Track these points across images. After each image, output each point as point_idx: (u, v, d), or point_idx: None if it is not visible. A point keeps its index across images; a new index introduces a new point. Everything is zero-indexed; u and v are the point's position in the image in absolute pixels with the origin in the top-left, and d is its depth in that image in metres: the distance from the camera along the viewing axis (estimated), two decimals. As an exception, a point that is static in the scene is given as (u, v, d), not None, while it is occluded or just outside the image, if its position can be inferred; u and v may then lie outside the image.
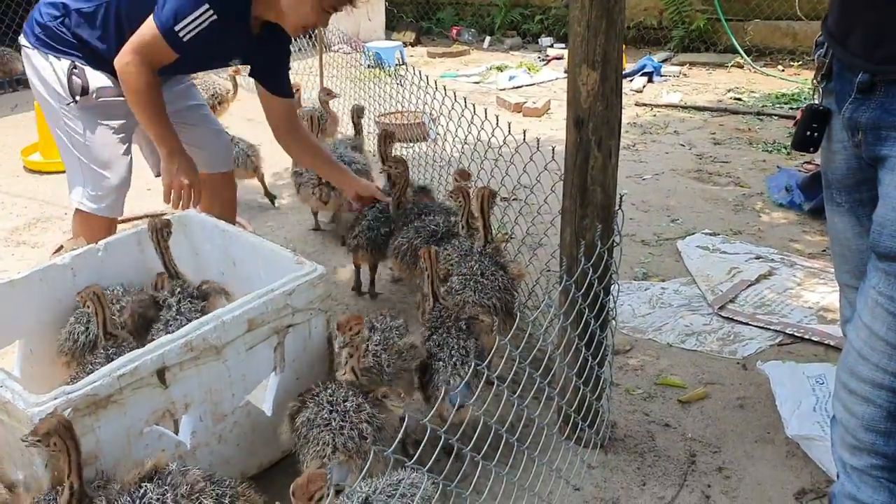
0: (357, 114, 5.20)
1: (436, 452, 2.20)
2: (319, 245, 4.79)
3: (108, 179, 3.32)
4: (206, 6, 2.85)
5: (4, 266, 4.43)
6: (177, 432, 2.57)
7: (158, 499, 2.09)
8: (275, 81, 3.44)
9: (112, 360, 2.42)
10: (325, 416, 2.43)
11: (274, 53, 3.38)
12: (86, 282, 2.90)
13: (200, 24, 2.87)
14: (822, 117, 1.85)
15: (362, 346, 2.58)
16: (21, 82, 7.99)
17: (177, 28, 2.88)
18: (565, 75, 4.50)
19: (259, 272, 3.04)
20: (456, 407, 2.52)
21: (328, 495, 1.80)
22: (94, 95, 3.17)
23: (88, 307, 2.72)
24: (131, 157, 3.41)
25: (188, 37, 2.89)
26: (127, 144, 3.38)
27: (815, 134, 1.87)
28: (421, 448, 1.88)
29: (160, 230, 2.99)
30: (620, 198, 2.57)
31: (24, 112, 7.27)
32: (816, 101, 1.88)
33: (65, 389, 2.21)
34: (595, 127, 2.38)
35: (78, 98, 3.15)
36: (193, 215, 3.27)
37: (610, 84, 2.34)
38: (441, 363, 2.72)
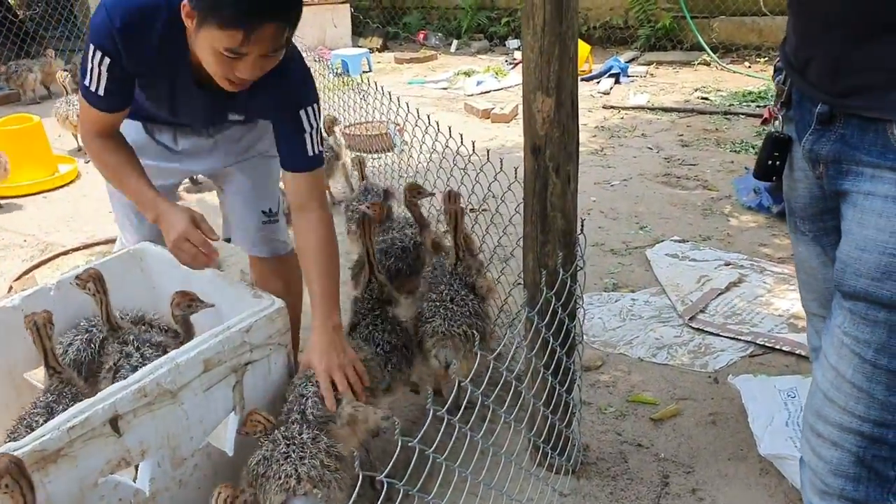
0: (329, 124, 5.08)
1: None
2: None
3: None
4: (93, 47, 2.41)
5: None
6: (135, 480, 2.49)
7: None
8: (281, 149, 2.64)
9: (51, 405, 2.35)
10: (283, 450, 2.40)
11: (268, 111, 2.64)
12: None
13: (101, 71, 2.45)
14: (783, 145, 1.81)
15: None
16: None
17: (87, 83, 2.48)
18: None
19: (219, 305, 2.95)
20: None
21: None
22: None
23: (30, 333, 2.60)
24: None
25: (101, 89, 2.47)
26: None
27: (778, 162, 1.82)
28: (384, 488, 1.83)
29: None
30: (582, 223, 2.51)
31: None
32: (777, 129, 1.83)
33: (10, 446, 2.12)
34: (552, 153, 2.33)
35: None
36: (150, 248, 3.17)
37: (565, 110, 2.28)
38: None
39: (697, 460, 2.95)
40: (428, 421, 2.24)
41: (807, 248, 1.86)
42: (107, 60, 2.41)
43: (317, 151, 2.59)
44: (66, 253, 4.76)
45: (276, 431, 2.47)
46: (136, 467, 2.49)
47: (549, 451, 2.66)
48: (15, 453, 2.09)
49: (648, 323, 3.86)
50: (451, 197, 3.20)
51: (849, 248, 1.53)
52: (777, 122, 1.84)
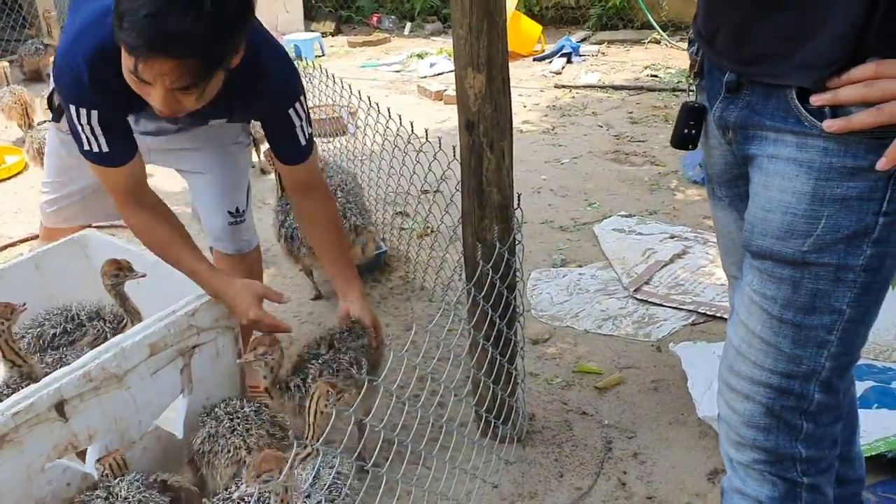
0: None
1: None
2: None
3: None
4: (73, 108, 2.30)
5: None
6: (84, 463, 2.51)
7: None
8: (273, 145, 2.70)
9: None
10: (228, 425, 2.49)
11: (255, 114, 2.69)
12: None
13: (92, 127, 2.32)
14: (698, 114, 1.87)
15: (277, 366, 2.60)
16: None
17: (87, 148, 2.37)
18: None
19: (163, 291, 2.96)
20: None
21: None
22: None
23: None
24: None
25: (104, 145, 2.36)
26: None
27: (693, 131, 1.89)
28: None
29: None
30: (519, 197, 2.57)
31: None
32: (691, 98, 1.90)
33: (-47, 433, 2.13)
34: (486, 129, 2.37)
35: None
36: (92, 235, 3.17)
37: (497, 86, 2.33)
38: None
39: (639, 426, 3.04)
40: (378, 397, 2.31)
41: (724, 213, 1.93)
42: (94, 113, 2.29)
43: (307, 138, 2.59)
44: (12, 244, 4.72)
45: (216, 409, 2.54)
46: (85, 451, 2.52)
47: (494, 421, 2.72)
48: (-41, 439, 2.11)
49: (595, 296, 3.94)
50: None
51: (755, 209, 1.60)
52: (691, 92, 1.91)
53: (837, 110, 1.46)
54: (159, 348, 2.57)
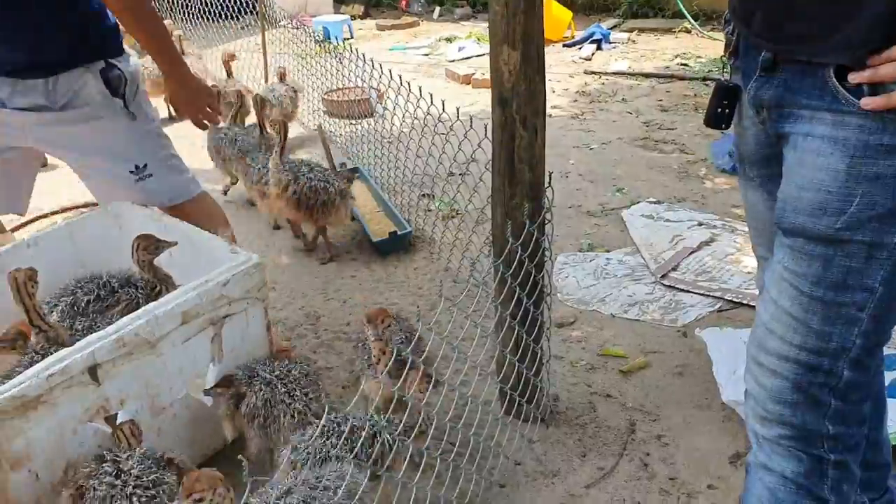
0: (259, 104, 5.06)
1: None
2: (265, 225, 4.75)
3: None
4: None
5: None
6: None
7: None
8: None
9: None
10: (283, 390, 2.56)
11: None
12: None
13: None
14: (732, 94, 1.87)
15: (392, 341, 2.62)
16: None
17: None
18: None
19: (195, 262, 3.01)
20: None
21: None
22: None
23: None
24: None
25: None
26: None
27: (727, 111, 1.89)
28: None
29: (22, 284, 2.61)
30: (550, 175, 2.57)
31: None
32: (726, 78, 1.90)
33: (-10, 392, 2.18)
34: (519, 106, 2.38)
35: None
36: (126, 206, 3.21)
37: (531, 63, 2.33)
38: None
39: (663, 409, 3.05)
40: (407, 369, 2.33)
41: (755, 193, 1.93)
42: None
43: None
44: (45, 216, 4.79)
45: (261, 375, 2.62)
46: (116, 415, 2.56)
47: (518, 399, 2.74)
48: (-5, 399, 2.16)
49: (622, 281, 3.94)
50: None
51: (788, 186, 1.60)
52: (726, 72, 1.91)
53: (876, 88, 1.46)
54: (191, 317, 2.61)
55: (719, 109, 1.89)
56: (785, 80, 1.61)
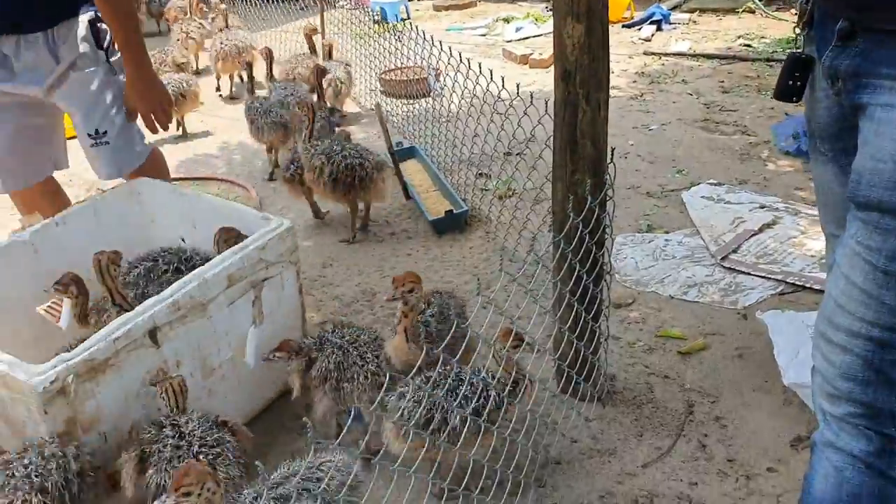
0: (319, 75, 5.08)
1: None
2: (321, 205, 4.79)
3: None
4: None
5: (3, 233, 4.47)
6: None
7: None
8: None
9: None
10: (355, 353, 2.64)
11: None
12: (48, 257, 2.92)
13: None
14: (804, 65, 1.83)
15: (418, 306, 2.70)
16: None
17: None
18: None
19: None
20: None
21: None
22: None
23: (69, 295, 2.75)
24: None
25: None
26: None
27: (798, 83, 1.84)
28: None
29: (105, 266, 2.70)
30: (612, 151, 2.55)
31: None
32: (799, 49, 1.85)
33: (63, 357, 2.25)
34: (582, 80, 2.36)
35: None
36: (146, 181, 3.28)
37: (596, 36, 2.31)
38: None
39: (722, 391, 3.01)
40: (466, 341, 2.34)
41: (825, 168, 1.88)
42: None
43: None
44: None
45: (331, 340, 2.68)
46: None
47: (576, 377, 2.73)
48: (68, 363, 2.23)
49: (681, 262, 3.89)
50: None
51: (864, 159, 1.56)
52: (799, 43, 1.86)
53: None
54: (235, 280, 2.70)
55: (791, 82, 1.84)
56: (863, 49, 1.57)
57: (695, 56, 7.22)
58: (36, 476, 2.12)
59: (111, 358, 2.33)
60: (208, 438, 2.27)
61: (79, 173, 5.31)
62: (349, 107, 6.27)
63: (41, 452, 2.15)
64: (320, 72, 5.06)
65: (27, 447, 2.19)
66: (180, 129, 5.91)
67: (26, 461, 2.15)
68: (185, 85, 5.57)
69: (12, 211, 4.84)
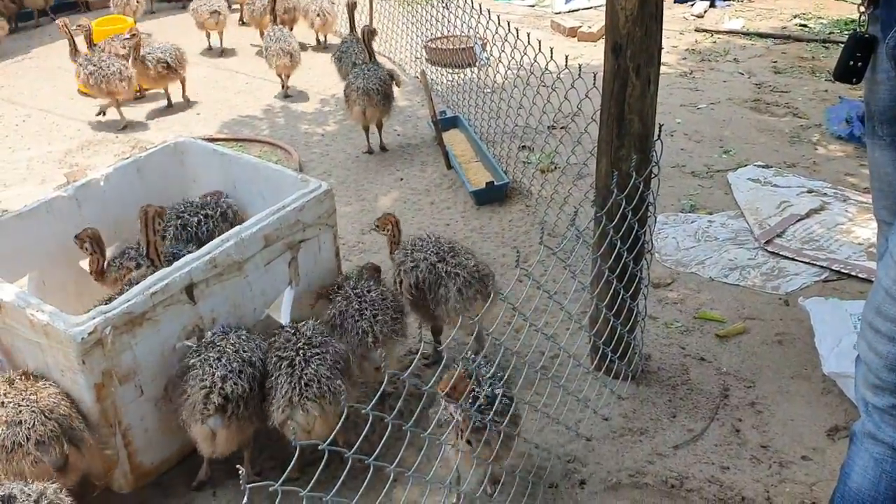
0: (368, 36, 5.05)
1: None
2: (362, 170, 4.78)
3: None
4: None
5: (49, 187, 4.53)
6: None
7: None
8: None
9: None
10: (356, 307, 2.69)
11: None
12: (91, 212, 2.96)
13: None
14: (867, 45, 1.76)
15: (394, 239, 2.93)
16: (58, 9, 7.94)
17: None
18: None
19: (261, 193, 3.07)
20: None
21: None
22: None
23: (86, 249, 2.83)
24: None
25: None
26: None
27: (860, 63, 1.78)
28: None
29: (151, 218, 2.75)
30: (660, 128, 2.50)
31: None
32: (862, 29, 1.79)
33: (101, 309, 2.28)
34: (633, 54, 2.30)
35: None
36: (190, 142, 3.29)
37: (649, 9, 2.25)
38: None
39: (759, 376, 2.96)
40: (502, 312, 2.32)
41: (883, 153, 1.82)
42: None
43: None
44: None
45: (344, 288, 2.75)
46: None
47: (610, 355, 2.70)
48: (106, 315, 2.26)
49: (723, 244, 3.83)
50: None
51: (925, 144, 1.51)
52: (862, 22, 1.79)
53: None
54: (272, 240, 2.71)
55: (851, 62, 1.78)
56: None
57: (748, 34, 7.06)
58: None
59: (148, 312, 2.35)
60: None
61: (127, 132, 5.40)
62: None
63: None
64: (369, 32, 5.03)
65: None
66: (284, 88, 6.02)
67: None
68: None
69: (59, 165, 4.92)
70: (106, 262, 2.90)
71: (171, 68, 5.53)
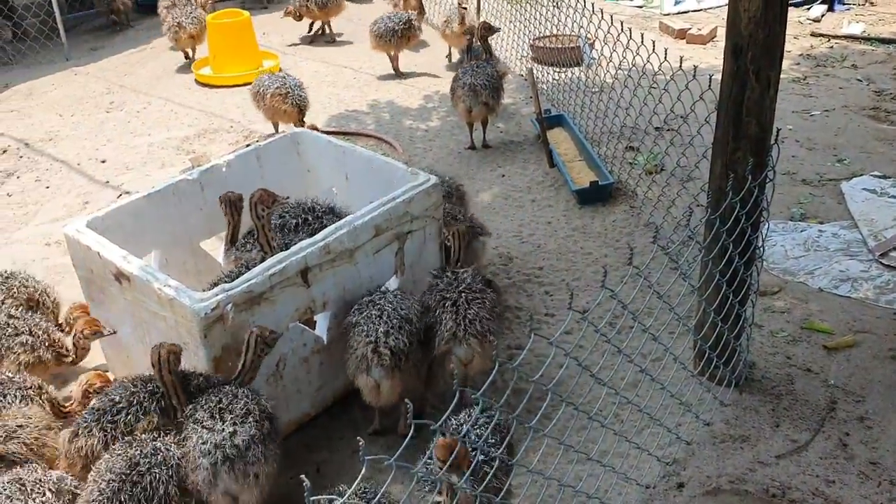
0: (485, 30, 5.07)
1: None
2: (464, 165, 4.84)
3: None
4: None
5: (176, 172, 4.74)
6: (315, 328, 2.80)
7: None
8: None
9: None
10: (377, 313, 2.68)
11: None
12: (213, 196, 3.08)
13: None
14: None
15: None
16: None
17: None
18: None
19: (372, 185, 3.15)
20: None
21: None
22: None
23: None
24: None
25: None
26: None
27: None
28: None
29: (234, 202, 2.94)
30: (777, 132, 2.46)
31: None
32: None
33: (224, 287, 2.40)
34: (754, 56, 2.28)
35: None
36: (306, 133, 3.40)
37: (774, 10, 2.22)
38: None
39: (870, 391, 2.87)
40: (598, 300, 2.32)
41: None
42: None
43: None
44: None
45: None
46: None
47: (715, 360, 2.67)
48: (229, 293, 2.38)
49: (834, 255, 3.72)
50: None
51: None
52: None
53: None
54: (382, 230, 2.80)
55: None
56: None
57: (869, 39, 6.80)
58: None
59: (266, 292, 2.46)
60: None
61: (237, 119, 5.60)
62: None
63: None
64: (487, 28, 5.10)
65: None
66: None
67: None
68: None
69: (177, 152, 5.15)
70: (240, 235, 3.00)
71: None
